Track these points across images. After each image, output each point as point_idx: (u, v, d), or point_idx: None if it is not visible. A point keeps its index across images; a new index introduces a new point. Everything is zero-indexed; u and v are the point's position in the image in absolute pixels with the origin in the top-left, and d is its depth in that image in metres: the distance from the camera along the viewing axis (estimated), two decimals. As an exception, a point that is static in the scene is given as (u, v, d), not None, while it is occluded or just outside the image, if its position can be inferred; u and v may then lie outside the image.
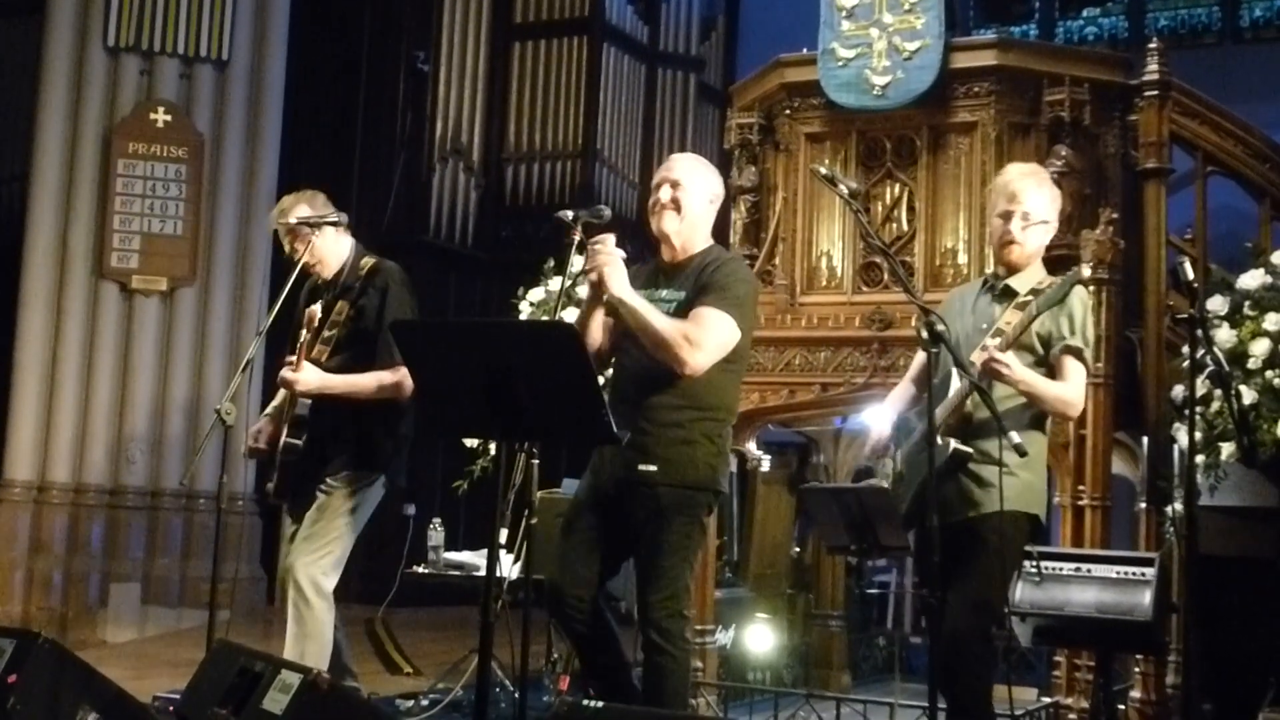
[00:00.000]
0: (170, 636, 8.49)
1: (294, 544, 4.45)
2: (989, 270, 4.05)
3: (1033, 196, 3.94)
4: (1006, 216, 3.93)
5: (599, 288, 3.71)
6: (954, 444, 3.66)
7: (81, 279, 9.04)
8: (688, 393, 3.72)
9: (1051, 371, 3.80)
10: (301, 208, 4.62)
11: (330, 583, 4.38)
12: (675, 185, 3.85)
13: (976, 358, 3.68)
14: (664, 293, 3.83)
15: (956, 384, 3.76)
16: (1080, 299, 3.87)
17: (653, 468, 3.69)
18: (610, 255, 3.67)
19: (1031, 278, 3.92)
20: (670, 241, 3.87)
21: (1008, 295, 3.90)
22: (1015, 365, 3.67)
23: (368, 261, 4.64)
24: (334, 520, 4.41)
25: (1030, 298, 3.79)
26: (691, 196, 3.85)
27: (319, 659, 4.23)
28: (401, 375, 4.30)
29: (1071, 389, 3.78)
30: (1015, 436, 3.51)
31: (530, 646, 3.47)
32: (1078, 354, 3.79)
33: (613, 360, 3.99)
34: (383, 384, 4.42)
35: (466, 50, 11.46)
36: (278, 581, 4.62)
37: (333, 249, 4.62)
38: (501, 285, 8.96)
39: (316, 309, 4.52)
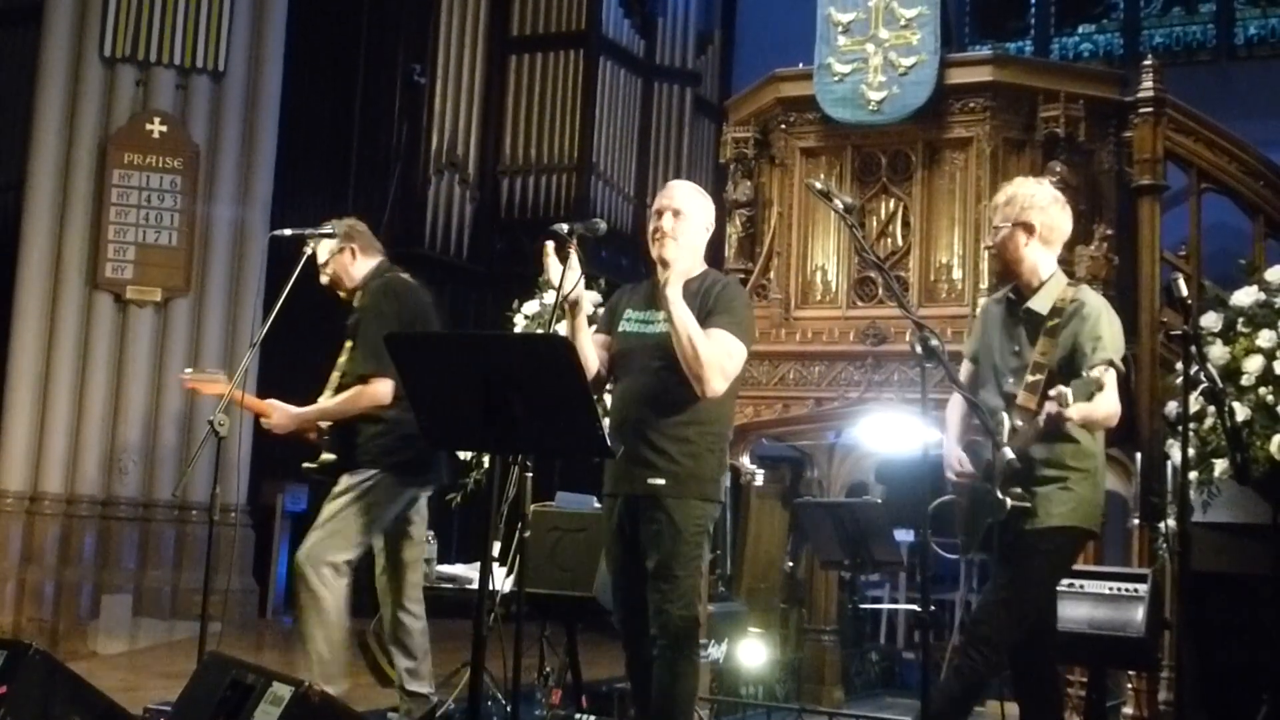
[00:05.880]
0: (162, 648, 8.45)
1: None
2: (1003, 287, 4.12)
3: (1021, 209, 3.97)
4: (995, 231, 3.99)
5: (575, 307, 3.87)
6: (1009, 453, 3.69)
7: (76, 289, 8.99)
8: (694, 410, 3.86)
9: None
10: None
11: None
12: (676, 214, 3.97)
13: (1045, 407, 3.67)
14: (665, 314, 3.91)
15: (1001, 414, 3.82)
16: (1104, 311, 3.89)
17: (662, 481, 3.82)
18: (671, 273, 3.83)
19: (1051, 294, 3.94)
20: (669, 266, 3.91)
21: (1031, 317, 3.92)
22: (1076, 411, 3.61)
23: (371, 281, 4.82)
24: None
25: (1056, 320, 3.84)
26: (690, 224, 3.98)
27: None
28: (374, 388, 4.57)
29: (1113, 399, 3.79)
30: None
31: (523, 660, 3.46)
32: (1109, 364, 3.77)
33: (611, 381, 4.10)
34: (351, 405, 4.64)
35: (463, 63, 11.47)
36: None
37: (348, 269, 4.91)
38: (496, 298, 8.96)
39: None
